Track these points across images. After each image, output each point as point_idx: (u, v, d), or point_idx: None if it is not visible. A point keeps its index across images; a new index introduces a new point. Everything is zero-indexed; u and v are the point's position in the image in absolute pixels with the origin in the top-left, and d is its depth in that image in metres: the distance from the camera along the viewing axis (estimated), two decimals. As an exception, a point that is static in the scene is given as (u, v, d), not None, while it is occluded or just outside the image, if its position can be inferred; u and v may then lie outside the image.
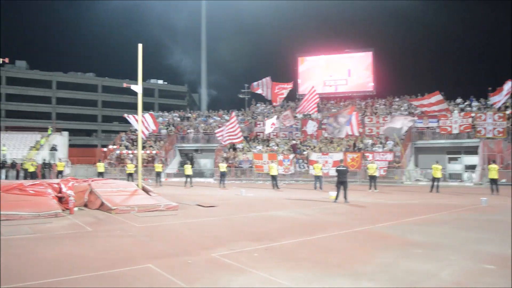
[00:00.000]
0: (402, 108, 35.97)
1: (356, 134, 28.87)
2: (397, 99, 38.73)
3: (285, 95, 34.10)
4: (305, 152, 30.77)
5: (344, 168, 15.84)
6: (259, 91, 34.30)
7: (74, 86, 74.55)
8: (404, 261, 6.60)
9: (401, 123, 27.35)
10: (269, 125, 30.95)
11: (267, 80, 33.95)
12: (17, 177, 28.32)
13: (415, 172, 28.99)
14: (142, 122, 30.01)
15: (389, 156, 27.98)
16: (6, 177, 28.55)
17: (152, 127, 28.78)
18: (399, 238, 8.50)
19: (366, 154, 28.32)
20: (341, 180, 15.44)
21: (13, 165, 30.06)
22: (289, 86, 33.89)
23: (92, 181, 14.89)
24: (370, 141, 30.48)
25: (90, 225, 10.05)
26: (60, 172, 27.54)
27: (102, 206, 12.57)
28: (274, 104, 36.37)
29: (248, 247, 7.56)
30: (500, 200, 16.47)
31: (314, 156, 29.22)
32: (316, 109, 32.09)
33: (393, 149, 28.73)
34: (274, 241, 8.14)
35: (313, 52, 45.17)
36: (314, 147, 31.45)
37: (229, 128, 28.41)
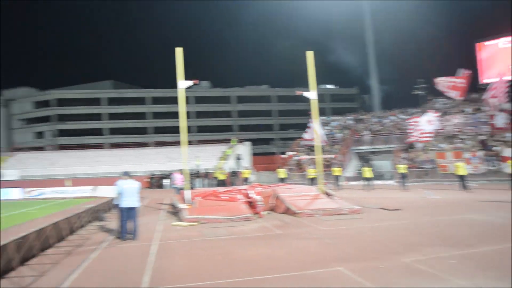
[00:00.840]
0: None
1: None
2: None
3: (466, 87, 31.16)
4: (496, 148, 27.60)
5: None
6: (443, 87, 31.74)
7: (250, 99, 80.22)
8: None
9: None
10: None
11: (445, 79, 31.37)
12: (210, 185, 31.41)
13: None
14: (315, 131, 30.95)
15: None
16: (202, 186, 31.91)
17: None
18: None
19: None
20: None
21: (206, 174, 33.54)
22: (468, 76, 30.87)
23: (276, 186, 15.70)
24: None
25: (278, 228, 10.58)
26: (245, 179, 29.64)
27: (287, 210, 13.14)
28: (458, 98, 33.32)
29: (443, 253, 7.08)
30: None
31: (508, 152, 26.00)
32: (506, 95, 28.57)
33: None
34: (473, 248, 7.46)
35: (495, 35, 40.36)
36: (508, 141, 27.99)
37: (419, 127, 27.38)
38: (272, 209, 13.97)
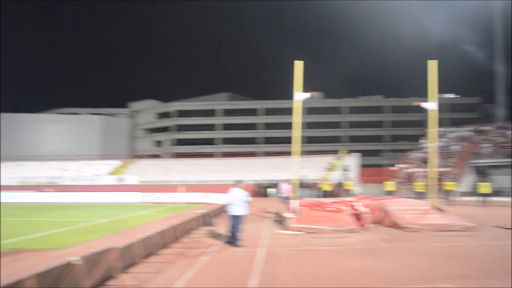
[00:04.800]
0: None
1: None
2: None
3: None
4: None
5: None
6: None
7: (362, 109, 78.89)
8: None
9: None
10: None
11: None
12: (317, 196, 31.44)
13: None
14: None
15: None
16: (308, 196, 32.06)
17: None
18: None
19: None
20: None
21: (312, 185, 33.64)
22: None
23: (384, 199, 15.40)
24: None
25: (385, 242, 10.45)
26: (348, 191, 29.23)
27: (394, 224, 12.85)
28: None
29: None
30: None
31: None
32: None
33: None
34: None
35: None
36: None
37: None
38: (379, 222, 13.73)
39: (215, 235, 11.78)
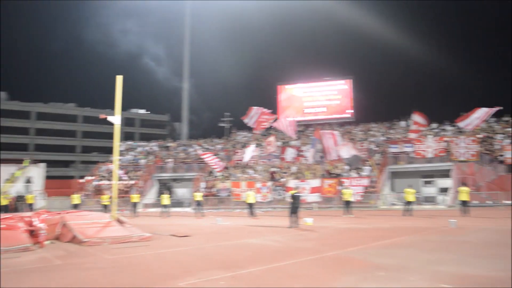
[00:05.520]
0: (379, 133, 36.68)
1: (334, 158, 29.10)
2: (375, 125, 39.49)
3: (267, 125, 34.19)
4: (283, 179, 31.00)
5: (299, 194, 16.54)
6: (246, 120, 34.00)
7: (53, 116, 73.86)
8: (365, 283, 6.79)
9: (347, 150, 26.83)
10: (248, 153, 31.21)
11: (257, 109, 33.81)
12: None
13: (390, 197, 29.37)
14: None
15: (365, 181, 28.40)
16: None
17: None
18: (364, 262, 8.69)
19: (342, 180, 28.68)
20: (296, 206, 16.09)
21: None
22: (273, 116, 34.01)
23: (66, 213, 14.80)
24: (347, 167, 30.87)
25: (59, 259, 9.98)
26: (30, 205, 27.13)
27: (74, 239, 12.48)
28: (256, 132, 36.37)
29: (216, 276, 7.64)
30: (470, 221, 16.84)
31: (292, 183, 29.44)
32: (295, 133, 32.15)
33: (370, 174, 29.18)
34: (243, 269, 8.23)
35: (293, 80, 46.09)
36: (292, 174, 31.73)
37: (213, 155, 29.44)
38: (58, 238, 13.11)
39: None
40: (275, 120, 31.56)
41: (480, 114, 25.35)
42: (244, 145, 39.21)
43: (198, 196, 24.84)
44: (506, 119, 33.93)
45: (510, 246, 9.88)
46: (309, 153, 28.65)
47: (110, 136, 68.78)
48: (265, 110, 33.50)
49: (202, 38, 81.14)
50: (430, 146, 30.15)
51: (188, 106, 58.55)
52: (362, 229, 15.48)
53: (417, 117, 27.18)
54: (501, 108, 24.95)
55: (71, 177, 56.07)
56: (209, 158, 30.21)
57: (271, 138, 34.05)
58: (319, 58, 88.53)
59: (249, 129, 39.87)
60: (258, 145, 38.16)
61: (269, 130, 42.15)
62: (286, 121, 31.37)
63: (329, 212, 25.31)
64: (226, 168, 34.02)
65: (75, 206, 25.88)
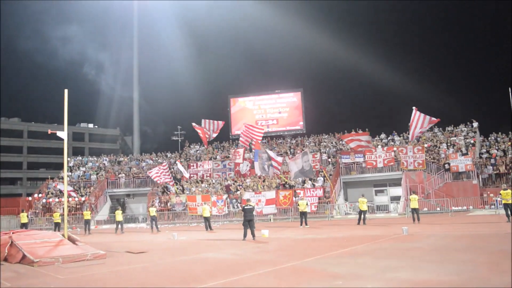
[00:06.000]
0: (330, 144, 37.45)
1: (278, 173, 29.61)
2: (326, 136, 40.31)
3: (212, 135, 34.15)
4: (238, 192, 31.00)
5: (250, 207, 16.48)
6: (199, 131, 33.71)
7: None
8: (324, 293, 6.91)
9: (299, 163, 27.44)
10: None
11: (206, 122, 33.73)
12: None
13: (345, 206, 30.00)
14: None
15: (319, 192, 28.85)
16: None
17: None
18: (322, 272, 8.83)
19: (298, 191, 29.01)
20: (248, 219, 16.11)
21: None
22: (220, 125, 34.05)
23: (13, 233, 14.14)
24: (300, 179, 31.25)
25: (9, 281, 9.52)
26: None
27: (24, 259, 11.93)
28: (205, 146, 36.20)
29: (174, 291, 7.56)
30: (420, 228, 17.48)
31: (247, 195, 29.44)
32: (259, 139, 32.31)
33: (323, 184, 29.68)
34: (202, 283, 8.16)
35: (245, 93, 46.50)
36: (247, 186, 31.80)
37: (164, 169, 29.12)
38: (6, 259, 12.49)
39: None
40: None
41: (422, 122, 26.30)
42: (199, 158, 38.99)
43: (153, 211, 24.42)
44: (450, 128, 35.62)
45: (458, 251, 10.36)
46: (256, 166, 29.08)
47: (57, 151, 66.77)
48: (213, 121, 33.68)
49: (152, 48, 79.99)
50: (380, 156, 31.09)
51: (139, 119, 57.83)
52: (318, 239, 15.74)
53: (362, 137, 28.19)
54: (439, 120, 26.21)
55: (19, 195, 53.72)
56: (161, 171, 29.89)
57: (239, 150, 34.25)
58: (270, 71, 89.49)
59: (201, 142, 39.90)
60: (212, 158, 38.11)
61: (222, 143, 42.34)
62: (250, 127, 31.60)
63: (286, 224, 25.53)
64: (178, 182, 33.73)
65: (24, 225, 24.78)
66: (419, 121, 25.87)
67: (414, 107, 25.77)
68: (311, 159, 28.86)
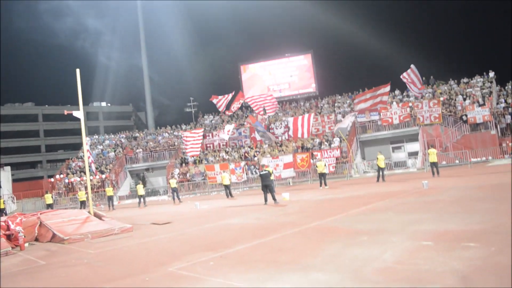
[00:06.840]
0: (345, 105, 37.17)
1: (306, 136, 29.47)
2: (340, 97, 39.97)
3: (237, 106, 34.03)
4: (255, 158, 31.19)
5: (266, 172, 16.58)
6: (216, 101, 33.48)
7: (12, 118, 71.04)
8: (350, 249, 7.02)
9: (349, 121, 28.50)
10: (227, 132, 31.43)
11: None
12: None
13: (363, 165, 30.02)
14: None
15: (337, 153, 28.89)
16: None
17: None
18: (346, 229, 8.96)
19: (315, 153, 29.09)
20: (265, 184, 16.32)
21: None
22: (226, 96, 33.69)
23: (41, 213, 14.55)
24: (317, 140, 31.28)
25: (43, 259, 9.87)
26: (1, 210, 26.41)
27: (54, 238, 12.33)
28: (228, 112, 35.73)
29: (204, 257, 7.74)
30: (441, 181, 17.47)
31: (265, 161, 29.66)
32: (275, 108, 32.38)
33: (340, 145, 29.67)
34: (229, 248, 8.36)
35: (255, 59, 45.94)
36: (264, 152, 31.95)
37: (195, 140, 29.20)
38: (37, 239, 12.91)
39: None
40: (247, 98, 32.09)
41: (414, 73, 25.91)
42: (215, 128, 39.12)
43: (173, 183, 24.78)
44: (465, 80, 34.99)
45: (479, 201, 10.37)
46: (257, 137, 29.58)
47: (73, 132, 67.22)
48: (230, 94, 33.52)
49: (159, 23, 79.23)
50: (395, 112, 30.82)
51: (151, 94, 58.02)
52: (339, 199, 15.86)
53: (381, 90, 27.77)
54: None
55: (40, 178, 54.71)
56: (193, 140, 29.93)
57: (251, 118, 34.47)
58: (279, 35, 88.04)
59: (216, 111, 39.88)
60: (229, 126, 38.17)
61: (240, 111, 42.24)
62: (265, 97, 31.62)
63: (305, 186, 25.72)
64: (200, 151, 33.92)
65: (49, 206, 25.42)
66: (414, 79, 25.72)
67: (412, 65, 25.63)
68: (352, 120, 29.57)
